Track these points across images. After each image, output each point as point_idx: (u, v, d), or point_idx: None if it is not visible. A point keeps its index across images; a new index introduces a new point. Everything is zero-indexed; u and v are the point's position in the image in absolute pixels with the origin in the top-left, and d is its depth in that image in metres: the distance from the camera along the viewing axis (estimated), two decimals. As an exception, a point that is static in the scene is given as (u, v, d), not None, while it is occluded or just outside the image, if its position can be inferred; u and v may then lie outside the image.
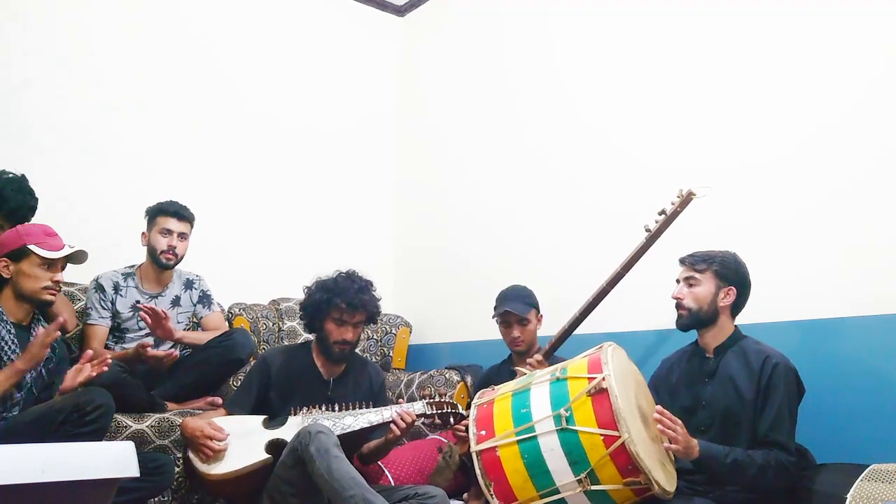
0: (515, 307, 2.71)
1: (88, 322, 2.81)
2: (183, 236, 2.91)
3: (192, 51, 3.79)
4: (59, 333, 2.17)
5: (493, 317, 2.80)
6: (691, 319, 2.22)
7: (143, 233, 2.91)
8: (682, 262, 2.28)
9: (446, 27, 4.33)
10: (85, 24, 3.49)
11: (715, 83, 2.86)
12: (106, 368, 2.21)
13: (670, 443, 1.91)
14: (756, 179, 2.67)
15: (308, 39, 4.22)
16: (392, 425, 2.33)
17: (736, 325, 2.24)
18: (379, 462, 2.68)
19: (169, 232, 2.86)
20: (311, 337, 2.61)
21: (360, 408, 2.37)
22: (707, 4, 2.93)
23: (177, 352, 2.83)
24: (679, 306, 2.24)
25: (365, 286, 2.49)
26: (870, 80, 2.43)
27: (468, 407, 2.17)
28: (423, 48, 4.49)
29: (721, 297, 2.19)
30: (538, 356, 2.58)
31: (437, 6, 4.42)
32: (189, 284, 3.04)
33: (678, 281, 2.28)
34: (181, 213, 2.90)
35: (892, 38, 2.38)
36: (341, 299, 2.42)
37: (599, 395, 1.85)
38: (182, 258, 2.93)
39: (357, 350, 2.83)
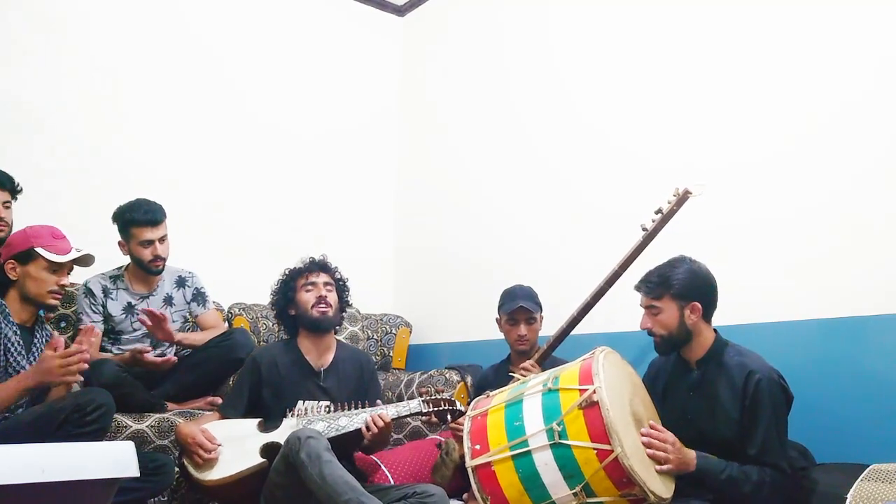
0: (528, 304, 2.74)
1: (81, 327, 2.79)
2: (163, 239, 2.81)
3: (192, 50, 3.79)
4: (80, 360, 2.06)
5: (501, 314, 2.80)
6: (666, 344, 2.17)
7: (119, 242, 2.82)
8: (637, 289, 2.20)
9: (446, 27, 4.33)
10: (85, 25, 3.49)
11: (715, 82, 2.86)
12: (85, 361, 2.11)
13: (661, 464, 1.88)
14: (756, 178, 2.67)
15: (308, 39, 4.22)
16: (363, 428, 2.26)
17: (716, 329, 2.18)
18: (378, 461, 2.69)
19: (149, 242, 2.77)
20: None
21: (355, 407, 2.35)
22: (705, 4, 2.93)
23: (174, 357, 2.78)
24: (650, 334, 2.18)
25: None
26: (871, 77, 2.43)
27: (467, 406, 2.17)
28: (423, 48, 4.49)
29: (687, 315, 2.11)
30: (531, 361, 2.58)
31: (437, 6, 4.42)
32: (181, 282, 3.00)
33: (642, 307, 2.20)
34: (154, 219, 2.77)
35: (890, 37, 2.39)
36: (302, 266, 2.56)
37: (591, 408, 1.82)
38: (168, 255, 2.88)
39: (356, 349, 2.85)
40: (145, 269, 2.84)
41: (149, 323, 2.69)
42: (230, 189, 3.83)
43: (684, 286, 2.11)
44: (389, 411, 2.33)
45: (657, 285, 2.14)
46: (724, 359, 2.12)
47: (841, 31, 2.51)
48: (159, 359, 2.68)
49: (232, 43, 3.95)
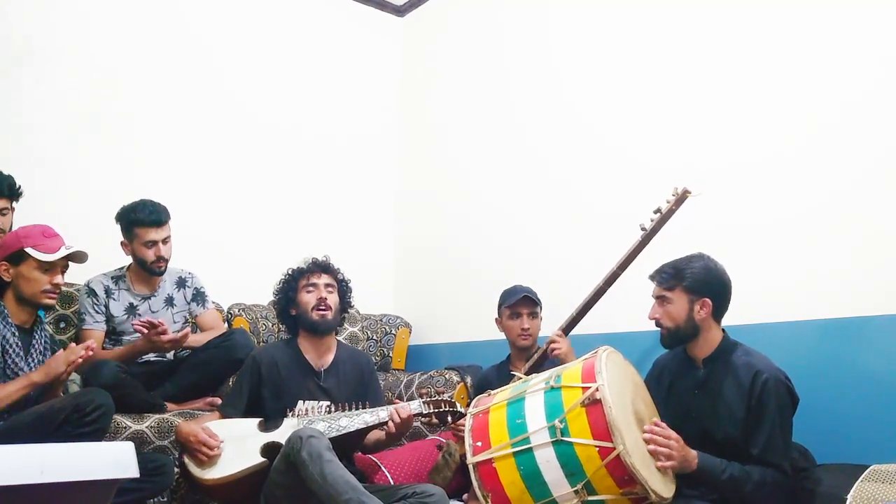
0: (531, 295, 2.77)
1: (84, 327, 2.80)
2: (166, 240, 2.82)
3: (192, 50, 3.79)
4: (82, 358, 2.14)
5: (503, 310, 2.80)
6: (672, 337, 2.17)
7: (122, 242, 2.82)
8: (652, 279, 2.21)
9: (446, 27, 4.32)
10: (85, 25, 3.49)
11: (714, 83, 2.85)
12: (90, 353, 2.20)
13: (665, 460, 1.88)
14: (756, 179, 2.67)
15: (308, 39, 4.22)
16: (389, 422, 2.32)
17: (724, 329, 2.18)
18: (378, 461, 2.69)
19: (153, 243, 2.77)
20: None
21: (356, 408, 2.36)
22: (705, 5, 2.93)
23: (188, 329, 2.79)
24: (658, 325, 2.19)
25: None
26: (871, 77, 2.43)
27: (467, 406, 2.17)
28: (423, 48, 4.49)
29: (697, 311, 2.11)
30: (557, 332, 2.56)
31: (437, 6, 4.42)
32: (182, 283, 3.01)
33: (654, 297, 2.21)
34: (158, 220, 2.78)
35: (890, 37, 2.38)
36: (304, 267, 2.56)
37: (594, 405, 1.82)
38: (171, 257, 2.89)
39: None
40: (148, 270, 2.84)
41: (145, 332, 2.64)
42: (230, 189, 3.83)
43: (697, 280, 2.12)
44: (389, 410, 2.33)
45: (671, 276, 2.15)
46: (731, 358, 2.12)
47: (841, 32, 2.51)
48: (178, 334, 2.67)
49: (232, 43, 3.95)
